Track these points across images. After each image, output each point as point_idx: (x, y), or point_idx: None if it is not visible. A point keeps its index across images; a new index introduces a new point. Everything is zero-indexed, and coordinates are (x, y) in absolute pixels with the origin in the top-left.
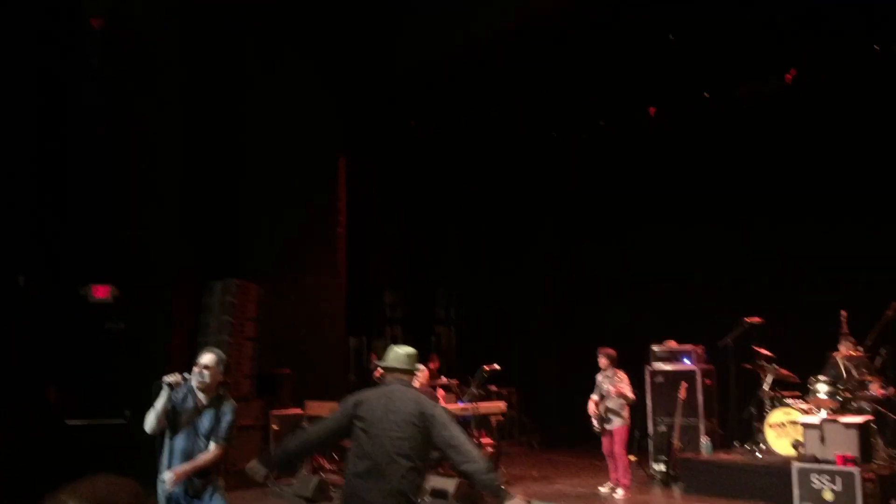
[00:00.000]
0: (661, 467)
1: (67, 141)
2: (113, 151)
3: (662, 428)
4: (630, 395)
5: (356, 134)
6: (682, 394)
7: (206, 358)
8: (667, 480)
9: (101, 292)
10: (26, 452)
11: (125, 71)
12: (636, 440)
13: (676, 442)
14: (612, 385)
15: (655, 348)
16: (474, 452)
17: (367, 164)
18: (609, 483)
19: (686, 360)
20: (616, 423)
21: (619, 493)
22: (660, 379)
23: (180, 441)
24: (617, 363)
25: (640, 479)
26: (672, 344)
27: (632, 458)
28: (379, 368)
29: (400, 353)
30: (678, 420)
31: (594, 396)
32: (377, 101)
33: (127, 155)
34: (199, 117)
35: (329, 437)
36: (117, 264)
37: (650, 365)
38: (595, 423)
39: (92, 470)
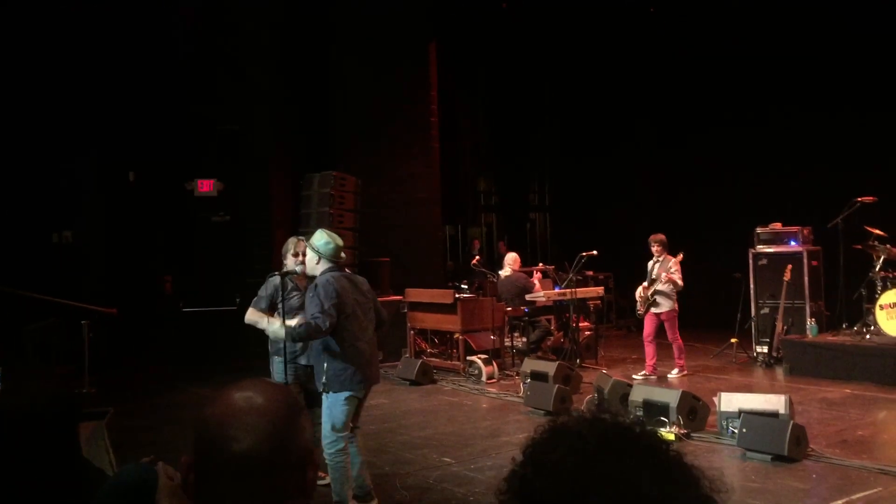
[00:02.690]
0: (764, 349)
1: (169, 42)
2: (212, 50)
3: (765, 310)
4: (679, 282)
5: (447, 19)
6: (786, 276)
7: (301, 247)
8: (769, 362)
9: (206, 186)
10: (147, 337)
11: None
12: (738, 322)
13: (780, 324)
14: (665, 271)
15: (759, 230)
16: None
17: (458, 50)
18: (643, 372)
19: (792, 242)
20: (664, 307)
21: (675, 372)
22: (763, 261)
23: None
24: (669, 249)
25: (742, 361)
26: (777, 226)
27: (733, 340)
28: (477, 256)
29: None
30: (782, 302)
31: (645, 283)
32: None
33: (224, 52)
34: (292, 9)
35: None
36: (219, 159)
37: (753, 248)
38: (639, 307)
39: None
